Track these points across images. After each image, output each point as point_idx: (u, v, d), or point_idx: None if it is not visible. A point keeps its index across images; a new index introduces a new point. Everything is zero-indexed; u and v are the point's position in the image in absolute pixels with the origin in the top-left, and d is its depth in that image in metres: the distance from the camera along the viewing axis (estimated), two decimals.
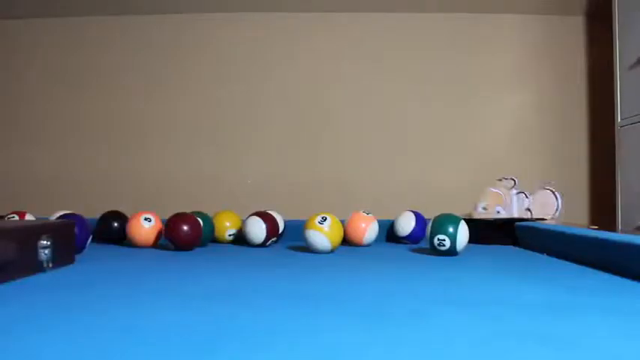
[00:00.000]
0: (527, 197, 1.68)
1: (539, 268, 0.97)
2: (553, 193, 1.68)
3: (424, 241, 1.31)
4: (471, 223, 1.15)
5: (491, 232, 1.39)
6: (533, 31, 2.10)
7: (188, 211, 1.27)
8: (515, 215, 1.66)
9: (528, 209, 1.66)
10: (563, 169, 2.07)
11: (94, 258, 1.04)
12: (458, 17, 2.10)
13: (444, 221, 1.07)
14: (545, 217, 1.64)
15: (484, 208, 1.67)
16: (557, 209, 1.66)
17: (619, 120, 1.74)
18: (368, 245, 1.33)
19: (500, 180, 1.79)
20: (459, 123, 2.09)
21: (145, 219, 1.27)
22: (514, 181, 1.73)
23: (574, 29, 2.10)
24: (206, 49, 2.15)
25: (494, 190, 1.71)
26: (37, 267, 0.77)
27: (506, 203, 1.65)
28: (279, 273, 0.90)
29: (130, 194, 2.07)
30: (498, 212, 1.64)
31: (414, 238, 1.38)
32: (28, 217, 1.31)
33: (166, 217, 1.23)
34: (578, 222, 1.98)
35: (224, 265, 0.99)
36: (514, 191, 1.70)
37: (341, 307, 0.59)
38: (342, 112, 2.12)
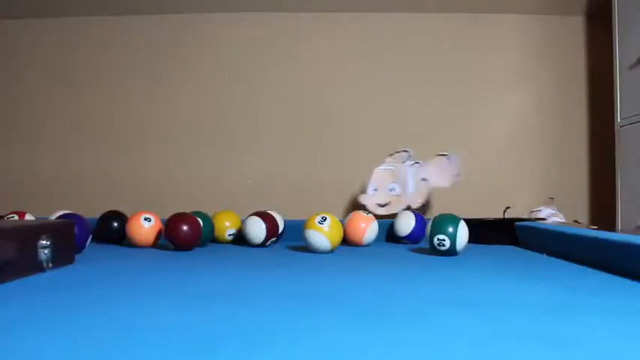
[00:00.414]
0: (421, 166, 1.66)
1: (539, 268, 0.97)
2: (448, 158, 1.65)
3: (424, 241, 1.31)
4: (471, 223, 1.15)
5: (491, 232, 1.39)
6: (533, 31, 2.10)
7: (188, 211, 1.27)
8: (412, 187, 1.64)
9: (424, 179, 1.63)
10: (563, 169, 2.07)
11: (94, 258, 1.04)
12: (458, 17, 2.10)
13: (444, 221, 1.07)
14: (444, 185, 1.62)
15: (375, 190, 1.64)
16: (456, 173, 1.64)
17: (619, 120, 1.74)
18: (368, 245, 1.33)
19: (391, 155, 1.75)
20: (459, 123, 2.09)
21: (145, 219, 1.27)
22: (407, 152, 1.70)
23: (574, 29, 2.10)
24: (206, 49, 2.15)
25: (383, 168, 1.67)
26: (37, 267, 0.77)
27: (400, 178, 1.62)
28: (279, 273, 0.90)
29: (130, 194, 2.07)
30: (392, 190, 1.61)
31: (413, 238, 1.38)
32: (28, 217, 1.31)
33: (166, 217, 1.23)
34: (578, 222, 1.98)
35: (224, 265, 0.99)
36: (409, 163, 1.67)
37: (341, 307, 0.59)
38: (342, 112, 2.12)
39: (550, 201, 1.76)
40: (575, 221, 1.44)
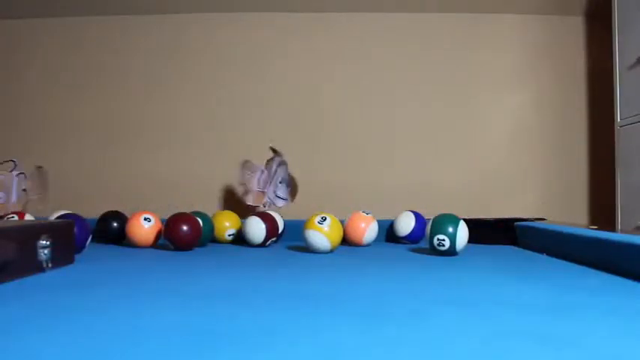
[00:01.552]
0: (26, 177, 1.75)
1: (539, 268, 0.97)
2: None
3: (424, 241, 1.31)
4: (471, 223, 1.15)
5: (491, 232, 1.39)
6: (533, 31, 2.10)
7: (188, 211, 1.27)
8: (15, 197, 1.73)
9: (24, 189, 1.72)
10: (563, 169, 2.07)
11: (94, 258, 1.04)
12: (458, 17, 2.10)
13: (444, 221, 1.07)
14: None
15: None
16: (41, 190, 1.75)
17: (619, 120, 1.74)
18: (368, 245, 1.33)
19: (1, 163, 1.84)
20: (459, 123, 2.09)
21: (145, 219, 1.27)
22: (14, 162, 1.77)
23: (574, 29, 2.10)
24: (206, 49, 2.15)
25: None
26: (37, 267, 0.77)
27: (6, 187, 1.70)
28: (279, 273, 0.90)
29: (130, 194, 2.07)
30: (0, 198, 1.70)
31: (413, 238, 1.38)
32: (28, 217, 1.32)
33: (166, 217, 1.23)
34: (578, 222, 1.98)
35: (224, 265, 0.99)
36: (15, 173, 1.75)
37: (341, 307, 0.59)
38: (342, 112, 2.12)
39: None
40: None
